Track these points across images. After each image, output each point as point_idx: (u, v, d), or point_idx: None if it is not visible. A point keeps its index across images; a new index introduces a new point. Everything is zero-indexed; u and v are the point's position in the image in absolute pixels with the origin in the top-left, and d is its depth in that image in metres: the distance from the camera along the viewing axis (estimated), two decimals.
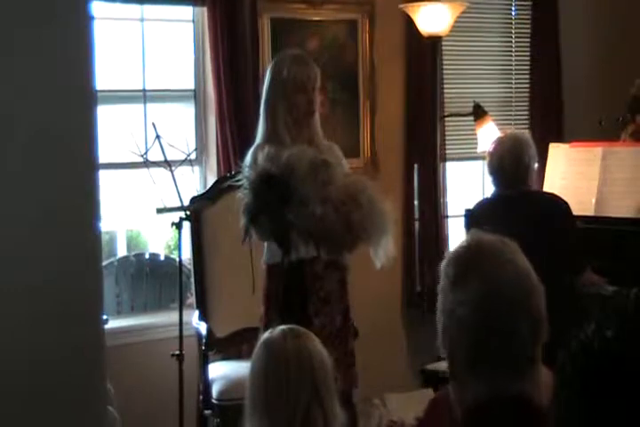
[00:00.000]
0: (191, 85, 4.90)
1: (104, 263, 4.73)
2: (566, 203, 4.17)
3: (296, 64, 3.78)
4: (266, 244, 3.74)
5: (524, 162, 4.14)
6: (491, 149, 4.26)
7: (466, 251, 1.81)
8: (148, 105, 4.76)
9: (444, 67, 5.38)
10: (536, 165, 4.27)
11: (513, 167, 4.14)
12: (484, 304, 1.72)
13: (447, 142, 5.42)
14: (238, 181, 3.58)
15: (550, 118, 5.74)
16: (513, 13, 5.79)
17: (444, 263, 1.81)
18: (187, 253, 4.46)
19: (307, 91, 3.75)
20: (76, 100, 1.50)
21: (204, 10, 4.69)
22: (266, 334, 2.60)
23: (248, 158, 3.68)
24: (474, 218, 4.30)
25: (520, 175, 4.15)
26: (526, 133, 4.33)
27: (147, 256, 5.19)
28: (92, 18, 1.51)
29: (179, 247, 4.07)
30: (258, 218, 3.48)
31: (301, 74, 3.76)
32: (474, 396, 1.72)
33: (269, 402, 2.45)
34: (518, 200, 4.14)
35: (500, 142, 4.26)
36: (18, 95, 1.40)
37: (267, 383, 2.46)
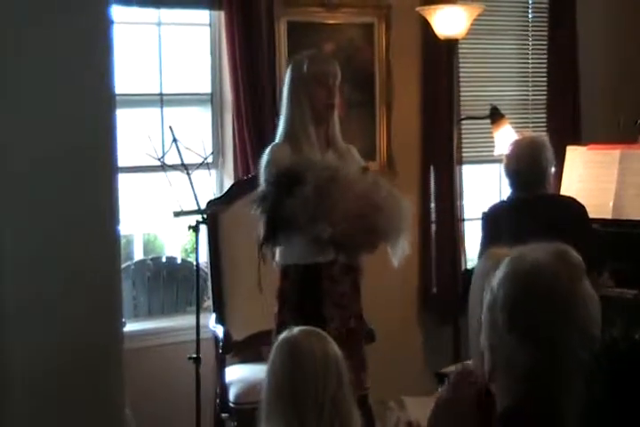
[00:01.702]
0: (208, 89, 4.91)
1: (121, 267, 4.74)
2: (583, 206, 4.15)
3: (315, 61, 3.80)
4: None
5: (542, 165, 4.13)
6: (508, 152, 4.24)
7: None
8: (165, 109, 4.77)
9: (461, 69, 5.37)
10: (553, 169, 4.25)
11: (530, 170, 4.12)
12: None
13: (463, 145, 5.40)
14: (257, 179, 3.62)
15: (568, 121, 5.71)
16: (530, 16, 5.77)
17: (502, 284, 1.76)
18: (203, 257, 4.46)
19: (327, 84, 3.75)
20: (97, 104, 1.50)
21: (221, 14, 4.70)
22: (285, 334, 2.58)
23: (265, 158, 3.69)
24: (489, 220, 4.28)
25: (537, 178, 4.13)
26: (544, 136, 4.30)
27: (164, 260, 5.19)
28: (111, 22, 1.52)
29: (196, 251, 4.08)
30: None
31: (321, 68, 3.77)
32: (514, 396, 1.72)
33: (292, 405, 2.42)
34: (534, 203, 4.12)
35: (517, 145, 4.24)
36: (39, 101, 1.41)
37: (291, 386, 2.43)
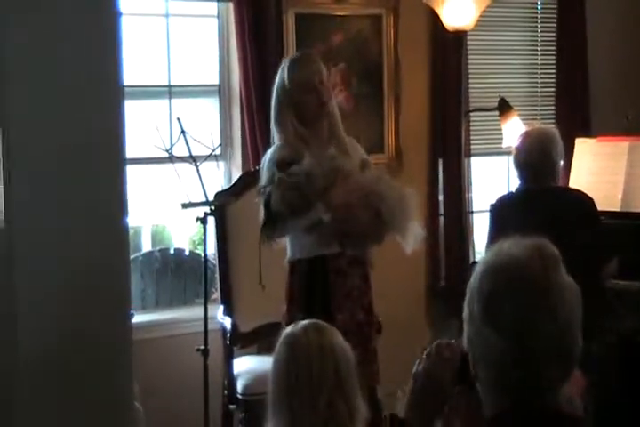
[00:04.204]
0: (216, 81, 4.91)
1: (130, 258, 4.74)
2: (591, 199, 4.12)
3: (296, 68, 3.73)
4: (288, 242, 3.73)
5: (552, 158, 4.10)
6: (518, 143, 4.21)
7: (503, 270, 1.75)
8: (174, 100, 4.77)
9: (469, 61, 5.35)
10: (562, 162, 4.23)
11: (540, 162, 4.09)
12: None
13: (472, 137, 5.39)
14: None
15: (576, 113, 5.70)
16: (538, 7, 5.76)
17: (478, 278, 1.76)
18: (211, 248, 4.47)
19: (313, 89, 3.70)
20: (105, 95, 1.50)
21: (229, 5, 4.70)
22: (288, 329, 2.59)
23: (265, 159, 3.70)
24: (498, 212, 4.26)
25: (547, 171, 4.11)
26: (554, 128, 4.27)
27: (171, 251, 5.20)
28: (119, 14, 1.52)
29: (203, 242, 4.08)
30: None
31: (301, 75, 3.71)
32: (499, 403, 1.72)
33: (291, 397, 2.45)
34: (543, 195, 4.10)
35: (528, 136, 4.21)
36: (48, 93, 1.40)
37: (289, 378, 2.46)
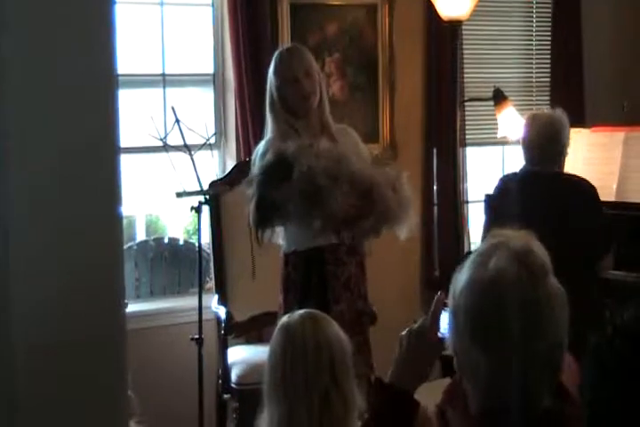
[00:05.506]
0: (210, 70, 4.89)
1: (123, 248, 4.74)
2: (594, 187, 4.09)
3: (279, 60, 3.78)
4: (282, 234, 3.73)
5: (561, 141, 4.06)
6: (527, 125, 4.14)
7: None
8: (168, 89, 4.76)
9: (464, 51, 5.34)
10: (569, 150, 4.17)
11: (550, 145, 4.02)
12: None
13: (467, 127, 5.39)
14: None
15: (572, 103, 5.68)
16: None
17: (463, 294, 1.71)
18: (206, 238, 4.46)
19: (296, 80, 3.72)
20: (98, 84, 1.50)
21: None
22: (284, 319, 2.60)
23: (256, 152, 3.70)
24: (499, 194, 4.19)
25: (555, 154, 4.04)
26: (564, 113, 4.17)
27: (166, 241, 5.19)
28: (113, 2, 1.51)
29: (198, 232, 4.08)
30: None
31: (285, 68, 3.75)
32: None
33: (287, 387, 2.45)
34: (547, 180, 4.05)
35: (538, 118, 4.12)
36: (38, 81, 1.40)
37: (284, 367, 2.47)
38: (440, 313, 1.79)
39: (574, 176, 4.20)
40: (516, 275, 1.66)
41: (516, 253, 1.69)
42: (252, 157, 3.77)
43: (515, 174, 4.26)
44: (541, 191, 4.00)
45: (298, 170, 3.42)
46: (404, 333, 2.00)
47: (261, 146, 3.73)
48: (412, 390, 1.94)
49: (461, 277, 1.73)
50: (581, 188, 4.08)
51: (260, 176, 3.54)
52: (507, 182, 4.20)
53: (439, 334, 1.85)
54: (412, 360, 1.96)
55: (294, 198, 3.43)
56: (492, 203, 4.24)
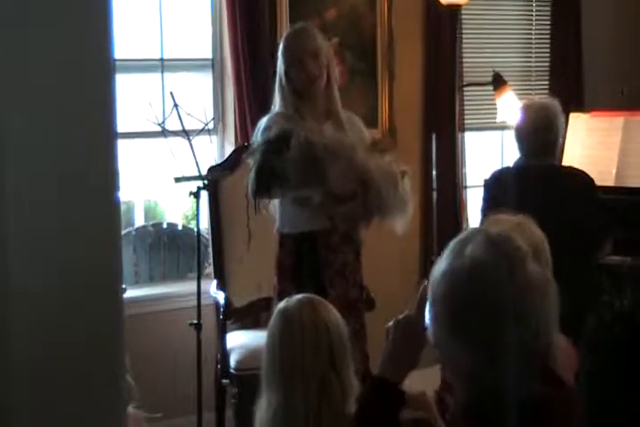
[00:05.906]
0: (209, 55, 4.88)
1: (122, 233, 4.74)
2: (592, 179, 4.06)
3: (290, 39, 3.77)
4: (278, 211, 3.72)
5: (555, 131, 4.02)
6: (520, 115, 4.11)
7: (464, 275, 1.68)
8: (166, 74, 4.74)
9: (464, 36, 5.33)
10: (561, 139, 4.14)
11: (544, 136, 3.98)
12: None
13: (466, 112, 5.38)
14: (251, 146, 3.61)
15: (571, 88, 5.68)
16: None
17: (442, 283, 1.70)
18: (204, 223, 4.46)
19: (300, 62, 3.69)
20: (95, 68, 1.49)
21: None
22: (282, 303, 2.60)
23: (260, 125, 3.68)
24: (493, 187, 4.18)
25: (549, 145, 4.00)
26: (557, 102, 4.14)
27: (164, 226, 5.19)
28: None
29: (196, 217, 4.07)
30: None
31: (293, 47, 3.73)
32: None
33: (285, 371, 2.46)
34: (544, 173, 4.03)
35: (531, 108, 4.09)
36: (34, 65, 1.39)
37: (282, 352, 2.47)
38: (426, 302, 1.77)
39: (572, 168, 4.19)
40: (491, 261, 1.64)
41: (491, 240, 1.67)
42: (255, 132, 3.74)
43: (508, 168, 4.23)
44: (539, 185, 3.97)
45: (298, 141, 3.41)
46: (390, 323, 1.99)
47: (264, 121, 3.70)
48: (400, 380, 1.94)
49: (439, 265, 1.71)
50: (579, 180, 4.04)
51: (261, 146, 3.52)
52: (501, 178, 4.16)
53: (425, 324, 1.84)
54: (399, 350, 1.95)
55: (293, 167, 3.41)
56: (488, 196, 4.21)
